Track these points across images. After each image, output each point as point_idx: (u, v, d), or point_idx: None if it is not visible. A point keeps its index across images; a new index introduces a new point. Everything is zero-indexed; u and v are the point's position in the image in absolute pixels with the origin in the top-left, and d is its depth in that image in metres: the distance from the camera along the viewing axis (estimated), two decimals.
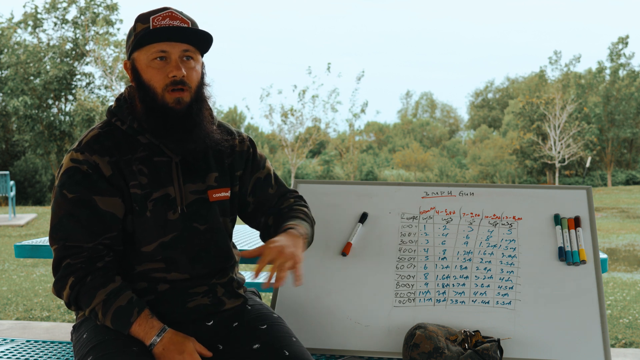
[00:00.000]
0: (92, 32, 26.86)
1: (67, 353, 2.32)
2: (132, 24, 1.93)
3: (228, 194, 2.01)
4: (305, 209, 2.09)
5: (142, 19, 1.88)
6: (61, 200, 1.85)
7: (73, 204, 1.84)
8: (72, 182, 1.85)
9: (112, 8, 27.20)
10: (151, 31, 1.83)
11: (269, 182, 2.11)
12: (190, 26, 1.88)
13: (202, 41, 1.89)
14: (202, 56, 1.95)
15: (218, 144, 1.97)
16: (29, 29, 27.03)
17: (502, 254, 2.35)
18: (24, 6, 26.86)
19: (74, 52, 27.16)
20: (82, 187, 1.84)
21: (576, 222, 2.39)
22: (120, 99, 1.96)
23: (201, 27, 1.95)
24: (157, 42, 1.85)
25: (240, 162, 2.05)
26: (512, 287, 2.28)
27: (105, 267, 1.83)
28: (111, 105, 1.98)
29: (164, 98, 1.85)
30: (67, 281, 1.81)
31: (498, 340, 2.07)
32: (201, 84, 1.93)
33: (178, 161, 1.92)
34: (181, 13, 1.90)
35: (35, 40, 27.06)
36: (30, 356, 2.28)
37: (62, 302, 6.04)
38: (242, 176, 2.06)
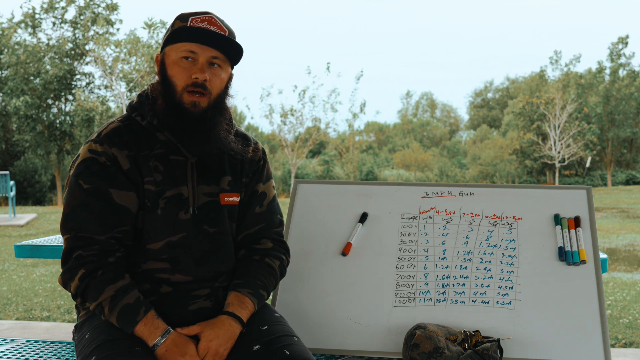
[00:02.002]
0: (92, 32, 26.86)
1: (67, 353, 2.32)
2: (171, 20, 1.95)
3: (238, 199, 2.02)
4: (278, 262, 2.05)
5: (182, 17, 1.91)
6: (76, 190, 1.85)
7: (88, 195, 1.84)
8: (89, 173, 1.85)
9: (112, 8, 27.20)
10: (186, 29, 1.86)
11: (260, 200, 2.08)
12: (226, 35, 1.89)
13: (232, 51, 1.91)
14: (232, 68, 1.97)
15: (232, 150, 1.99)
16: (29, 29, 27.03)
17: (502, 254, 2.35)
18: (20, 7, 26.87)
19: (73, 52, 27.17)
20: (99, 179, 1.85)
21: (576, 222, 2.39)
22: (142, 95, 1.98)
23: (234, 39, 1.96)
24: (189, 41, 1.87)
25: (248, 170, 2.06)
26: (512, 287, 2.28)
27: (116, 263, 1.84)
28: (132, 100, 2.00)
29: (182, 97, 1.87)
30: (77, 273, 1.81)
31: (498, 340, 2.07)
32: (223, 93, 1.94)
33: (194, 162, 1.93)
34: (222, 21, 1.92)
35: (34, 41, 27.06)
36: (30, 356, 2.28)
37: (62, 302, 6.04)
38: (247, 184, 2.06)
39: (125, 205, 1.86)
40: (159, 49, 1.98)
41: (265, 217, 2.08)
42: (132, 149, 1.89)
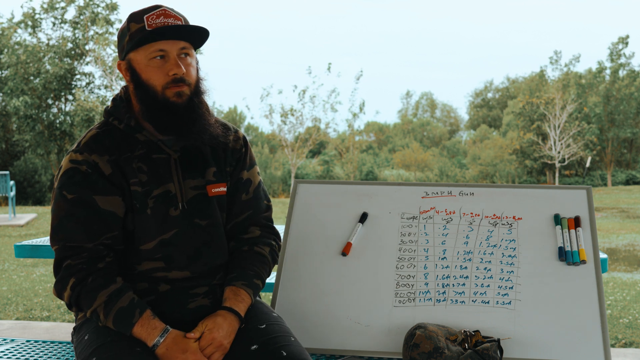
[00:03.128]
0: (92, 32, 26.86)
1: (67, 353, 2.32)
2: (123, 23, 1.93)
3: (225, 189, 2.02)
4: (268, 249, 2.06)
5: (136, 18, 1.88)
6: (61, 201, 1.85)
7: (73, 205, 1.84)
8: (71, 183, 1.85)
9: (112, 8, 27.20)
10: (149, 31, 1.83)
11: (246, 187, 2.08)
12: (183, 23, 1.89)
13: (198, 37, 1.91)
14: (195, 51, 1.97)
15: (219, 136, 1.99)
16: (29, 29, 27.03)
17: (502, 254, 2.35)
18: (21, 6, 26.87)
19: (73, 52, 27.17)
20: (82, 188, 1.85)
21: (576, 222, 2.39)
22: (116, 99, 1.97)
23: (195, 24, 1.95)
24: (154, 41, 1.85)
25: (231, 159, 2.06)
26: (512, 287, 2.28)
27: (106, 268, 1.83)
28: (107, 106, 1.99)
29: (165, 94, 1.86)
30: (68, 282, 1.81)
31: (498, 340, 2.07)
32: (198, 78, 1.94)
33: (177, 158, 1.93)
34: (173, 10, 1.90)
35: (34, 41, 27.06)
36: (30, 356, 2.28)
37: (62, 302, 6.03)
38: (232, 173, 2.06)
39: (111, 210, 1.86)
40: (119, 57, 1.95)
41: (252, 204, 2.08)
42: (113, 154, 1.89)
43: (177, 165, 1.93)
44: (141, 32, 1.85)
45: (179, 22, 1.88)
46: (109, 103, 2.00)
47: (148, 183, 1.90)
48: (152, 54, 1.86)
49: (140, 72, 1.88)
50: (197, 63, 1.96)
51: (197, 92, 1.92)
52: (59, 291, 1.85)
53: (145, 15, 1.86)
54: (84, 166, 1.86)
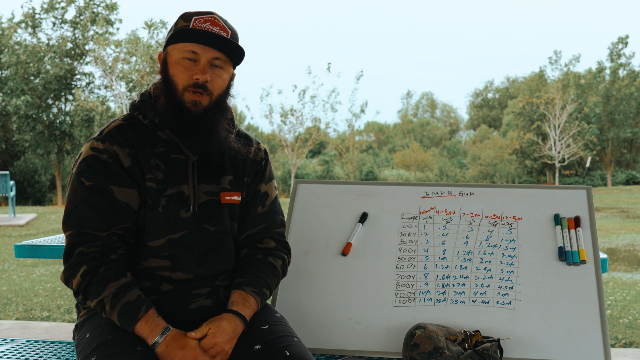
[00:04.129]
0: (92, 32, 26.86)
1: (67, 353, 2.32)
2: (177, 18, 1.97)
3: (239, 198, 2.03)
4: (280, 262, 2.06)
5: (186, 17, 1.92)
6: (78, 188, 1.87)
7: (90, 192, 1.85)
8: (91, 170, 1.87)
9: (112, 8, 27.21)
10: (189, 30, 1.87)
11: (263, 200, 2.09)
12: (228, 36, 1.91)
13: (233, 52, 1.92)
14: (234, 68, 1.98)
15: (233, 150, 1.99)
16: (29, 29, 27.04)
17: (502, 254, 2.35)
18: (21, 6, 26.88)
19: (73, 52, 27.18)
20: (101, 176, 1.86)
21: (576, 222, 2.39)
22: (144, 94, 2.00)
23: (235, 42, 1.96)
24: (191, 42, 1.88)
25: (250, 170, 2.07)
26: (512, 287, 2.28)
27: (118, 261, 1.84)
28: (135, 100, 2.01)
29: (183, 96, 1.89)
30: (79, 269, 1.81)
31: (498, 340, 2.07)
32: (225, 93, 1.96)
33: (195, 161, 1.94)
34: (225, 22, 1.93)
35: (34, 41, 27.07)
36: (30, 356, 2.28)
37: (62, 302, 6.03)
38: (249, 184, 2.07)
39: (127, 202, 1.88)
40: (161, 47, 1.98)
41: (267, 217, 2.08)
42: (133, 147, 1.91)
43: (194, 168, 1.95)
44: (183, 30, 1.88)
45: (224, 34, 1.90)
46: (136, 97, 2.02)
47: (163, 181, 1.91)
48: (184, 53, 1.89)
49: (169, 67, 1.91)
50: (231, 79, 1.98)
51: (217, 104, 1.93)
52: (67, 278, 1.84)
53: (195, 17, 1.90)
54: (104, 155, 1.88)
